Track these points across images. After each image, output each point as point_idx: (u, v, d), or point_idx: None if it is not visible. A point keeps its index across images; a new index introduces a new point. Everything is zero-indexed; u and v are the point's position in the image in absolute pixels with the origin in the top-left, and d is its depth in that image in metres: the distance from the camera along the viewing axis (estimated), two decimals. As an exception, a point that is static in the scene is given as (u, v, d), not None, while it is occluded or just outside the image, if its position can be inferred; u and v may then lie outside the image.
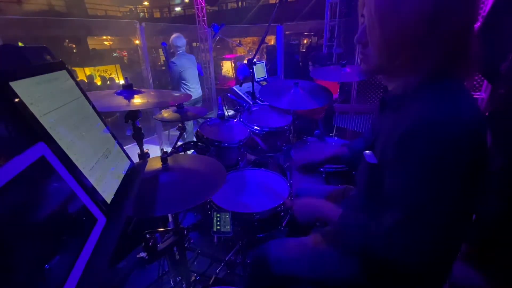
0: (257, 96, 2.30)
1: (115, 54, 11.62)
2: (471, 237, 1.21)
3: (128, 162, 0.76)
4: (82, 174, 0.51)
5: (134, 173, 0.75)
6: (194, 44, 6.80)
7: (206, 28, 5.35)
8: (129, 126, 1.29)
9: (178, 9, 17.49)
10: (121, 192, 0.63)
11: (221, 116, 1.85)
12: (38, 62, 0.54)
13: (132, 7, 16.30)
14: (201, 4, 5.48)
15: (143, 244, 0.95)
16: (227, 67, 7.33)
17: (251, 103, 2.26)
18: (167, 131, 4.33)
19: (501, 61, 1.12)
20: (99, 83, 7.53)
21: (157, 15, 17.86)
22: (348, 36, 4.21)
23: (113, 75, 8.12)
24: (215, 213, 1.22)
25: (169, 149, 1.84)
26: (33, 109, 0.44)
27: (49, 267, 0.38)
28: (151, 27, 4.47)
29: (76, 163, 0.50)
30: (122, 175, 0.69)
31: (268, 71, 4.00)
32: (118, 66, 8.56)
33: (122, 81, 6.30)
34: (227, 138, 1.71)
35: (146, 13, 17.57)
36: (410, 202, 0.58)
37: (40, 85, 0.50)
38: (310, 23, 7.99)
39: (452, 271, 0.70)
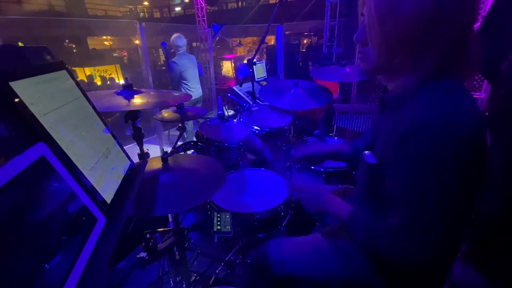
0: (257, 96, 2.30)
1: (115, 54, 11.62)
2: (471, 237, 1.21)
3: (128, 162, 0.76)
4: (82, 174, 0.51)
5: (134, 173, 0.75)
6: (194, 44, 6.79)
7: (206, 28, 5.36)
8: (129, 126, 1.29)
9: (178, 9, 17.49)
10: (121, 192, 0.63)
11: (221, 116, 1.85)
12: (38, 62, 0.54)
13: (132, 7, 16.30)
14: (201, 4, 5.48)
15: (143, 244, 0.95)
16: (227, 67, 7.33)
17: (251, 103, 2.26)
18: (167, 131, 4.33)
19: (501, 61, 1.12)
20: (99, 83, 7.53)
21: (157, 15, 17.86)
22: (348, 36, 4.21)
23: (113, 75, 8.12)
24: (215, 213, 1.22)
25: (169, 149, 1.84)
26: (33, 109, 0.44)
27: (49, 267, 0.38)
28: (151, 27, 4.47)
29: (76, 163, 0.50)
30: (122, 175, 0.69)
31: (268, 71, 4.01)
32: (118, 66, 8.55)
33: (122, 81, 6.30)
34: (227, 138, 1.71)
35: (146, 13, 17.58)
36: (410, 202, 0.59)
37: (40, 85, 0.50)
38: (310, 23, 8.00)
39: (452, 271, 0.70)
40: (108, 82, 7.67)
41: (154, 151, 3.54)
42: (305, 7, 8.65)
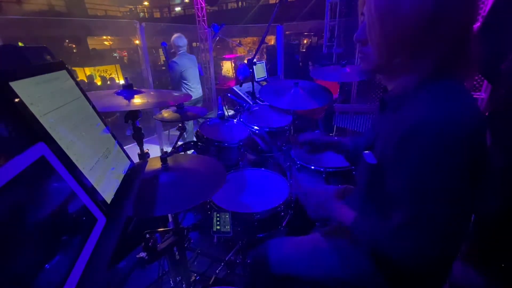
0: (257, 96, 2.30)
1: (115, 54, 11.62)
2: (471, 237, 1.21)
3: (128, 162, 0.76)
4: (82, 174, 0.51)
5: (134, 173, 0.75)
6: (194, 44, 6.79)
7: (206, 28, 5.35)
8: (129, 126, 1.29)
9: (178, 9, 17.49)
10: (121, 192, 0.63)
11: (221, 116, 1.85)
12: (38, 62, 0.54)
13: (132, 7, 16.31)
14: (201, 4, 5.48)
15: (143, 244, 0.95)
16: (227, 67, 7.32)
17: (251, 103, 2.26)
18: (167, 131, 4.33)
19: (501, 61, 1.12)
20: (99, 83, 7.53)
21: (157, 15, 17.86)
22: (348, 36, 4.21)
23: (113, 75, 8.12)
24: (215, 213, 1.22)
25: (169, 149, 1.84)
26: (33, 109, 0.44)
27: (49, 267, 0.38)
28: (151, 27, 4.47)
29: (76, 163, 0.50)
30: (122, 175, 0.69)
31: (268, 71, 4.00)
32: (118, 66, 8.56)
33: (122, 81, 6.31)
34: (227, 138, 1.71)
35: (146, 13, 17.58)
36: (411, 202, 0.59)
37: (40, 85, 0.50)
38: (310, 23, 8.00)
39: (452, 271, 0.70)
40: (108, 82, 7.67)
41: (154, 151, 3.54)
42: (305, 7, 8.65)
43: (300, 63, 6.36)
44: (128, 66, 9.31)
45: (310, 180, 1.32)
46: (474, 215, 1.14)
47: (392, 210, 0.62)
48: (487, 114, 1.17)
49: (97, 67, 8.06)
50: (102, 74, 8.04)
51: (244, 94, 2.98)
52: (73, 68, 7.24)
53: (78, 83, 0.64)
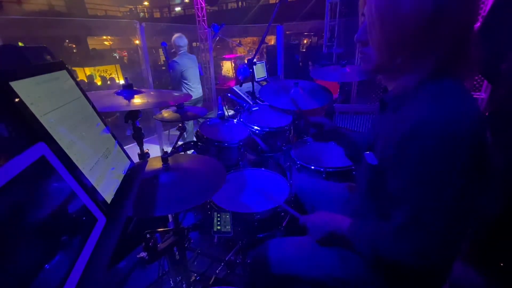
0: (257, 96, 2.29)
1: (115, 54, 11.63)
2: (471, 237, 1.21)
3: (128, 162, 0.76)
4: (82, 174, 0.51)
5: (134, 173, 0.75)
6: (194, 44, 6.79)
7: (206, 28, 5.36)
8: (129, 126, 1.29)
9: (178, 9, 17.50)
10: (121, 192, 0.63)
11: (221, 116, 1.85)
12: (38, 62, 0.54)
13: (132, 7, 16.33)
14: (201, 4, 5.48)
15: (143, 244, 0.95)
16: (227, 67, 7.32)
17: (251, 103, 2.26)
18: (167, 131, 4.33)
19: (501, 61, 1.12)
20: (99, 83, 7.54)
21: (157, 15, 17.88)
22: (348, 36, 4.22)
23: (113, 75, 8.12)
24: (215, 213, 1.22)
25: (169, 149, 1.84)
26: (33, 109, 0.44)
27: (49, 267, 0.38)
28: (151, 27, 4.47)
29: (76, 163, 0.50)
30: (122, 175, 0.69)
31: (268, 71, 4.01)
32: (118, 66, 8.56)
33: (122, 81, 6.29)
34: (227, 138, 1.71)
35: (146, 13, 17.60)
36: (411, 202, 0.59)
37: (40, 85, 0.50)
38: (310, 23, 8.00)
39: (452, 271, 0.70)
40: (108, 82, 7.67)
41: (154, 151, 3.54)
42: (305, 7, 8.66)
43: (300, 63, 6.37)
44: (128, 66, 9.31)
45: (310, 180, 1.32)
46: (474, 215, 1.15)
47: (393, 210, 0.62)
48: (487, 114, 1.17)
49: (97, 67, 8.06)
50: (102, 74, 8.04)
51: (244, 94, 2.98)
52: (73, 68, 7.24)
53: (78, 83, 0.64)
